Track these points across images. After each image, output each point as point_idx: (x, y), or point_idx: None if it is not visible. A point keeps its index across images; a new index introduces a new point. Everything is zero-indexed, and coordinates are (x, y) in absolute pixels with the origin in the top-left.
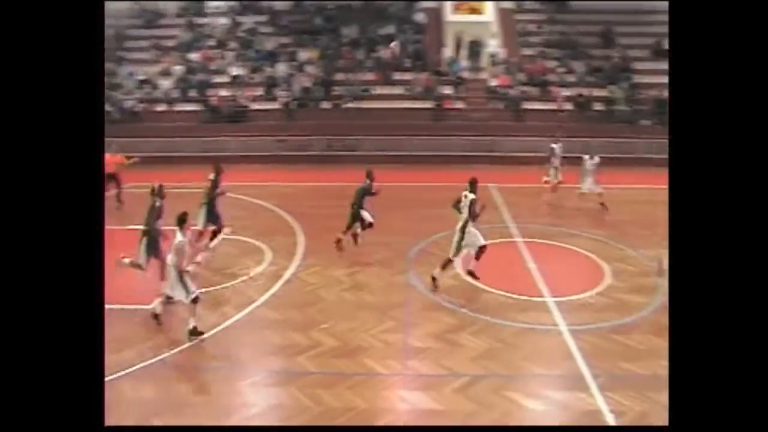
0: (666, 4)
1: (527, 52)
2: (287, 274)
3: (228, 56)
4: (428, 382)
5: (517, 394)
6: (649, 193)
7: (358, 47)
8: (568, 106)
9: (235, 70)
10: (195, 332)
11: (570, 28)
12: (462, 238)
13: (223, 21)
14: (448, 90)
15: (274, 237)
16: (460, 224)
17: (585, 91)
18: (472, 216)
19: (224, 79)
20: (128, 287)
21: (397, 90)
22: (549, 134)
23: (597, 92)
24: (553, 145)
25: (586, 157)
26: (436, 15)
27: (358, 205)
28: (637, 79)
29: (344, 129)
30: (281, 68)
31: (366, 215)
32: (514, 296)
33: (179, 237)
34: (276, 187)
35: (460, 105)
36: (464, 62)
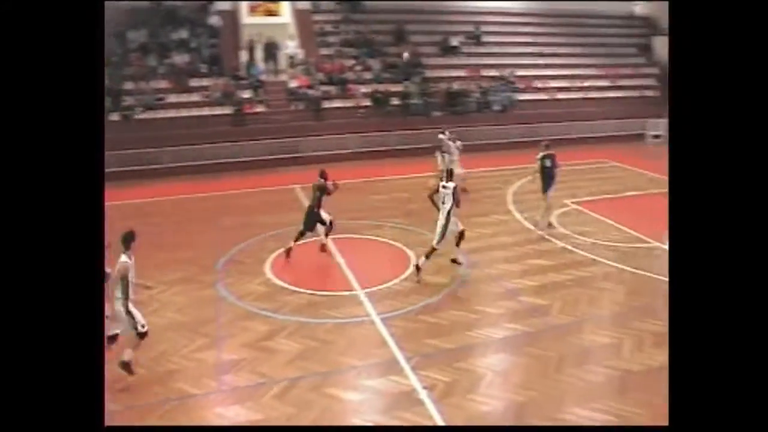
0: (452, 4)
1: (325, 51)
2: None
3: None
4: (245, 394)
5: (336, 389)
6: None
7: (148, 53)
8: (367, 103)
9: None
10: (127, 367)
11: (365, 28)
12: (446, 226)
13: None
14: (247, 94)
15: None
16: (444, 213)
17: (381, 88)
18: (457, 203)
19: None
20: None
21: (194, 97)
22: (348, 131)
23: (393, 88)
24: (441, 136)
25: (451, 143)
26: (231, 17)
27: (315, 206)
28: (428, 73)
29: (138, 142)
30: None
31: (324, 216)
32: (325, 293)
33: (123, 258)
34: None
35: (260, 108)
36: (262, 65)
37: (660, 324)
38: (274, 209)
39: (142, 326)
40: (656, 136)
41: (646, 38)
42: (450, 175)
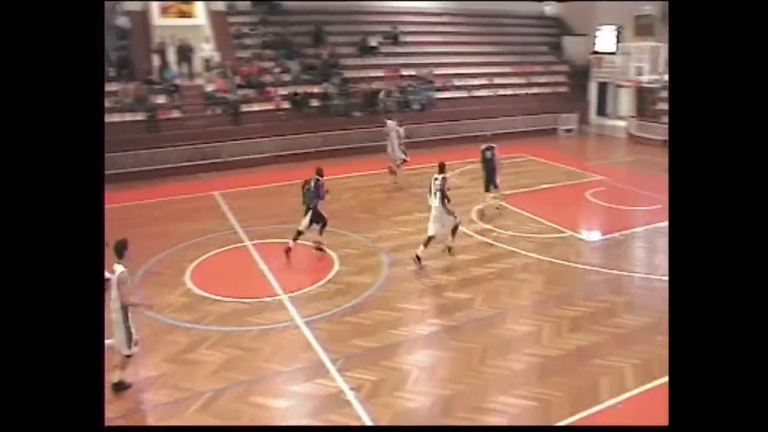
0: (369, 4)
1: (242, 54)
2: None
3: None
4: (167, 411)
5: (262, 397)
6: (364, 178)
7: None
8: (286, 105)
9: None
10: (122, 386)
11: (283, 29)
12: (452, 213)
13: None
14: (161, 99)
15: None
16: (437, 204)
17: (301, 89)
18: (443, 194)
19: None
20: None
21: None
22: (268, 134)
23: (312, 89)
24: (398, 128)
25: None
26: (141, 19)
27: (313, 204)
28: (347, 74)
29: None
30: None
31: (306, 220)
32: (249, 300)
33: (120, 268)
34: None
35: (176, 114)
36: (176, 68)
37: (576, 309)
38: (193, 217)
39: (135, 343)
40: (568, 131)
41: (556, 37)
42: (442, 168)
